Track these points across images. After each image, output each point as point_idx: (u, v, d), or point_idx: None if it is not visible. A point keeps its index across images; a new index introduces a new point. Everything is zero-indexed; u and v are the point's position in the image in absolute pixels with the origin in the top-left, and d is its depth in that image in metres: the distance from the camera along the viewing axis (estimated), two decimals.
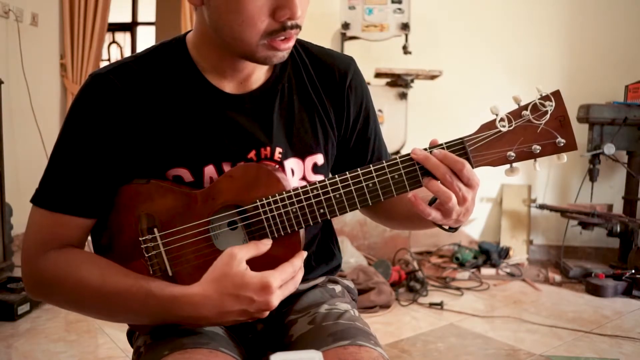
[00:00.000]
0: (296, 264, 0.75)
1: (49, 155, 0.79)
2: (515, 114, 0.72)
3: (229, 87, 0.83)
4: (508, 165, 0.74)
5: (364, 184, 0.74)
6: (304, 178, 0.87)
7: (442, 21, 3.47)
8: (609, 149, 2.90)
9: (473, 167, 0.73)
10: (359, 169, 0.74)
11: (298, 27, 0.73)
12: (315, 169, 0.88)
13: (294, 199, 0.75)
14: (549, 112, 0.71)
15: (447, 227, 0.81)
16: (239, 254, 0.71)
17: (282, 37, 0.73)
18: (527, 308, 2.51)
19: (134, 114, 0.78)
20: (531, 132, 0.72)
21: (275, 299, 0.71)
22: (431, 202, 0.79)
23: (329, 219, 0.77)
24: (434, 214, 0.74)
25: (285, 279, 0.73)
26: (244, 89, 0.84)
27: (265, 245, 0.75)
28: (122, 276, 0.75)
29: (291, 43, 0.75)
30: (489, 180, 3.50)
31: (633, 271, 2.71)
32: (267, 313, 0.73)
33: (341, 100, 0.90)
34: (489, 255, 3.13)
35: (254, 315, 0.72)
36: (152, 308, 0.73)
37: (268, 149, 0.83)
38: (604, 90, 3.30)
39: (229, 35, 0.73)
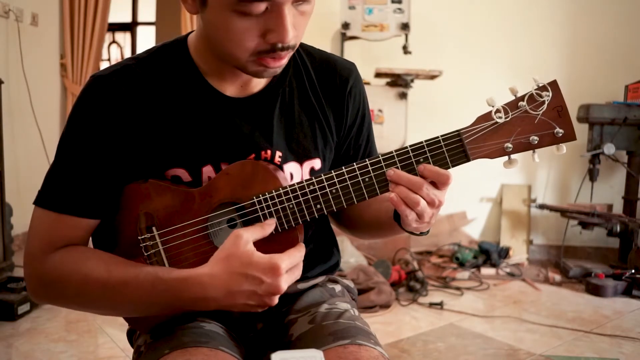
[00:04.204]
0: (301, 251, 0.75)
1: (50, 155, 0.79)
2: (512, 105, 0.72)
3: (229, 90, 0.83)
4: (506, 157, 0.73)
5: (360, 178, 0.74)
6: None
7: (442, 21, 3.47)
8: (608, 149, 2.91)
9: (470, 160, 0.73)
10: (354, 164, 0.74)
11: (290, 48, 0.72)
12: (312, 173, 0.88)
13: (291, 195, 0.75)
14: (546, 102, 0.71)
15: (417, 232, 0.81)
16: (245, 235, 0.71)
17: (272, 57, 0.72)
18: (527, 308, 2.51)
19: (136, 115, 0.78)
20: (528, 123, 0.71)
21: (284, 282, 0.70)
22: None
23: (326, 217, 0.77)
24: (412, 216, 0.73)
25: (293, 263, 0.72)
26: (245, 93, 0.84)
27: (270, 225, 0.75)
28: (128, 266, 0.75)
29: (283, 62, 0.74)
30: (489, 180, 3.50)
31: (633, 271, 2.71)
32: (276, 299, 0.71)
33: (341, 106, 0.90)
34: (489, 255, 3.13)
35: (263, 299, 0.70)
36: (161, 293, 0.72)
37: (269, 152, 0.83)
38: (604, 90, 3.30)
39: (219, 49, 0.74)
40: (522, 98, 0.71)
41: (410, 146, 0.73)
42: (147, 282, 0.73)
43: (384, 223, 0.88)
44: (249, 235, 0.71)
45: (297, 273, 0.74)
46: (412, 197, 0.71)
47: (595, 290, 2.69)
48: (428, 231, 0.81)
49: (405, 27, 3.04)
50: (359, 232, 1.00)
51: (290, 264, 0.71)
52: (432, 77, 3.15)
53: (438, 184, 0.72)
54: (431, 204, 0.72)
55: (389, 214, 0.84)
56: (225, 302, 0.71)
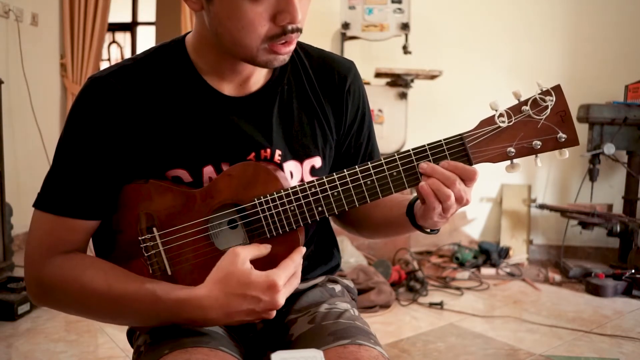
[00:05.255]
0: (296, 260, 0.75)
1: (50, 156, 0.79)
2: (515, 110, 0.72)
3: (228, 89, 0.83)
4: (508, 162, 0.73)
5: (362, 181, 0.74)
6: (302, 181, 0.87)
7: (442, 21, 3.47)
8: (609, 148, 2.90)
9: (472, 164, 0.73)
10: (357, 167, 0.74)
11: (299, 30, 0.73)
12: (313, 171, 0.88)
13: (292, 197, 0.75)
14: (550, 107, 0.71)
15: (428, 230, 0.81)
16: (242, 253, 0.71)
17: (283, 41, 0.73)
18: (527, 308, 2.51)
19: (134, 116, 0.78)
20: (531, 127, 0.71)
21: (282, 298, 0.71)
22: (414, 200, 0.80)
23: (327, 218, 0.77)
24: (438, 209, 0.73)
25: (289, 275, 0.73)
26: (243, 92, 0.84)
27: (266, 248, 0.76)
28: (128, 281, 0.75)
29: (292, 47, 0.75)
30: (489, 180, 3.50)
31: (633, 271, 2.71)
32: (273, 313, 0.72)
33: (340, 104, 0.90)
34: (489, 255, 3.13)
35: (261, 315, 0.72)
36: (159, 312, 0.73)
37: (268, 151, 0.83)
38: (604, 90, 3.30)
39: (229, 40, 0.73)
40: (525, 102, 0.71)
41: (413, 149, 0.74)
42: (146, 299, 0.73)
43: (394, 222, 0.88)
44: (245, 253, 0.72)
45: (295, 283, 0.74)
46: (444, 191, 0.71)
47: (595, 290, 2.69)
48: (438, 230, 0.81)
49: (405, 27, 3.04)
50: (366, 232, 0.99)
51: (287, 277, 0.72)
52: (432, 77, 3.15)
53: (464, 180, 0.72)
54: (459, 200, 0.72)
55: (400, 210, 0.84)
56: (224, 321, 0.73)
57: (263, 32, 0.71)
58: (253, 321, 0.73)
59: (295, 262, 0.74)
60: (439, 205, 0.72)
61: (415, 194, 0.78)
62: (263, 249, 0.75)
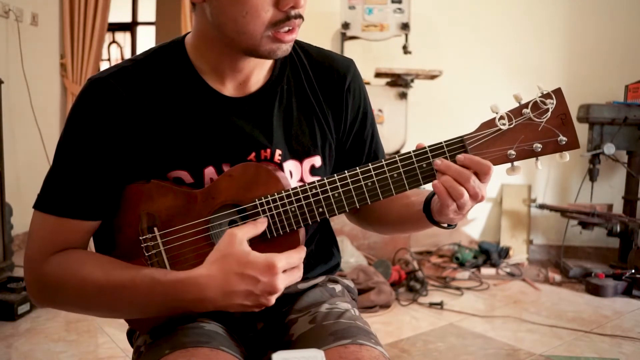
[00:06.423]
0: (301, 253, 0.75)
1: (50, 155, 0.80)
2: (516, 112, 0.72)
3: (228, 89, 0.83)
4: (509, 164, 0.74)
5: (362, 182, 0.74)
6: (301, 180, 0.87)
7: (442, 21, 3.47)
8: (609, 148, 2.91)
9: None
10: (357, 168, 0.74)
11: (301, 17, 0.73)
12: (313, 170, 0.88)
13: (293, 198, 0.75)
14: (550, 110, 0.71)
15: (445, 225, 0.81)
16: (239, 233, 0.71)
17: (287, 29, 0.73)
18: (527, 308, 2.51)
19: (134, 117, 0.78)
20: (532, 130, 0.72)
21: (281, 282, 0.70)
22: (431, 196, 0.79)
23: (327, 219, 0.77)
24: (453, 207, 0.73)
25: (291, 263, 0.72)
26: (243, 92, 0.84)
27: (262, 223, 0.75)
28: (125, 269, 0.75)
29: (295, 35, 0.75)
30: None
31: (633, 271, 2.71)
32: (273, 299, 0.71)
33: (339, 102, 0.90)
34: (489, 255, 3.14)
35: (260, 299, 0.70)
36: (158, 295, 0.72)
37: (268, 151, 0.83)
38: (604, 90, 3.30)
39: (232, 29, 0.73)
40: (526, 105, 0.72)
41: (414, 151, 0.74)
42: (144, 284, 0.73)
43: (410, 217, 0.87)
44: (242, 233, 0.71)
45: (297, 275, 0.74)
46: (457, 188, 0.71)
47: (595, 290, 2.69)
48: (455, 225, 0.81)
49: (405, 27, 3.04)
50: (382, 228, 0.99)
51: (288, 265, 0.71)
52: (432, 77, 3.15)
53: (479, 174, 0.72)
54: (474, 197, 0.72)
55: (417, 207, 0.84)
56: (223, 302, 0.71)
57: (267, 18, 0.71)
58: (252, 308, 0.72)
59: (299, 254, 0.74)
60: (453, 203, 0.72)
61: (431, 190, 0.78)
62: (259, 226, 0.74)
